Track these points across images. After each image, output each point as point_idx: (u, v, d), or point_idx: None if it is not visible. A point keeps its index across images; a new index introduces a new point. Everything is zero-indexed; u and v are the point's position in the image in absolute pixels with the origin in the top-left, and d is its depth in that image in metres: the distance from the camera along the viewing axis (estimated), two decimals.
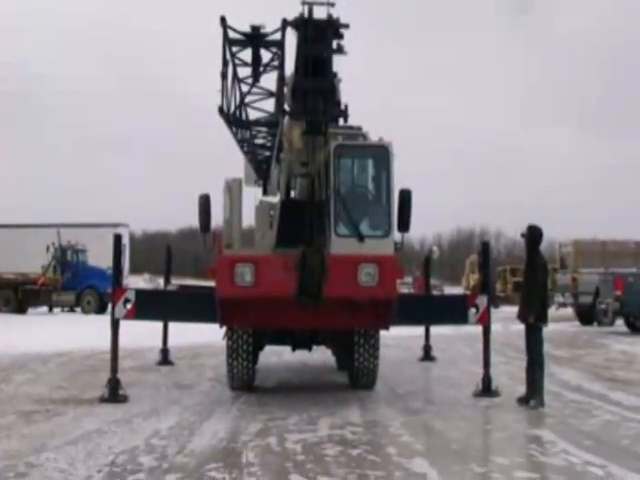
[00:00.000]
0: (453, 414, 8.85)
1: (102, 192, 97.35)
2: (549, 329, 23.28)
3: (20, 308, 31.00)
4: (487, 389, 10.10)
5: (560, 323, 25.19)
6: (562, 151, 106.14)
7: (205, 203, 10.10)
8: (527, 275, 9.92)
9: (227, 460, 6.58)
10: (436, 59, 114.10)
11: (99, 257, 29.78)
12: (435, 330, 15.02)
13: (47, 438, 7.36)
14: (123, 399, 9.48)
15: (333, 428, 7.91)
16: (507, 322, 18.65)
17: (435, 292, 36.87)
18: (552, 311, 28.68)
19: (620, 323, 22.79)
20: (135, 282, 40.86)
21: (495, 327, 18.24)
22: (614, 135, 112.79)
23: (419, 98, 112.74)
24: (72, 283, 31.66)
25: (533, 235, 9.79)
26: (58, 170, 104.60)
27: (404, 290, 36.33)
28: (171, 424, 8.11)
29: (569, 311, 26.62)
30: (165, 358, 13.80)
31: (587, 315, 23.94)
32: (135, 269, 51.56)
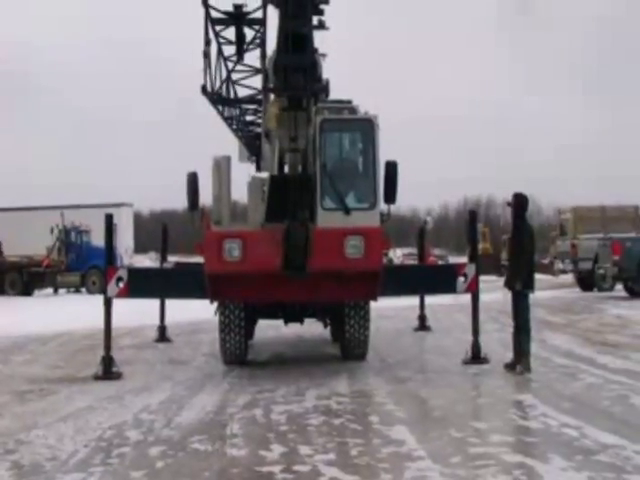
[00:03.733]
0: (440, 382, 9.00)
1: (106, 172, 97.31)
2: (548, 295, 23.10)
3: (26, 290, 31.22)
4: (476, 356, 10.21)
5: (560, 289, 25.31)
6: (564, 116, 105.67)
7: (193, 181, 10.08)
8: (514, 243, 10.01)
9: (212, 432, 6.74)
10: (436, 28, 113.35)
11: (103, 237, 29.86)
12: (434, 300, 15.12)
13: (39, 416, 7.55)
14: (117, 376, 9.66)
15: (319, 399, 8.07)
16: (506, 290, 18.70)
17: (441, 262, 37.14)
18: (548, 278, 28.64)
19: (620, 288, 22.85)
20: (141, 261, 41.07)
21: (495, 295, 18.48)
22: (615, 100, 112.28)
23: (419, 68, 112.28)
24: (77, 264, 31.79)
25: (519, 203, 9.85)
26: (58, 152, 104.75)
27: (410, 261, 36.58)
28: (161, 399, 8.29)
29: (569, 277, 26.72)
30: (162, 335, 13.99)
31: (587, 281, 24.01)
32: (142, 248, 51.64)
